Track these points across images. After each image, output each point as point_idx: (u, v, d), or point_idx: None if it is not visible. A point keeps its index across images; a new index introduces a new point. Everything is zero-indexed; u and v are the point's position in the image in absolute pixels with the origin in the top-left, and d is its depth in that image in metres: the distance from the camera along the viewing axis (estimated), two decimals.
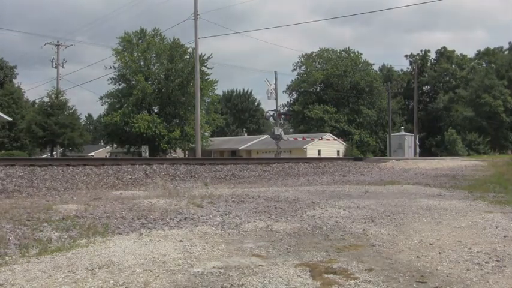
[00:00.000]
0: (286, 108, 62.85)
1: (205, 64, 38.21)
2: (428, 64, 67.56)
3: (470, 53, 70.84)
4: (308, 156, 37.16)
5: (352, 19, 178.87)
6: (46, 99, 35.31)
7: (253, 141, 50.80)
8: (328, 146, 44.32)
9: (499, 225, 5.63)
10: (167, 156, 35.10)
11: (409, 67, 67.70)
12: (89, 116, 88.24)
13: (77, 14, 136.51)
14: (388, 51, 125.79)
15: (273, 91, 36.02)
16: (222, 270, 3.62)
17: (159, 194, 8.84)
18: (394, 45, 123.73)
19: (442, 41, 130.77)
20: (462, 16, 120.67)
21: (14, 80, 53.85)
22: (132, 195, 8.50)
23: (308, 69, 62.13)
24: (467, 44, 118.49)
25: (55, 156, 33.28)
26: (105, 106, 41.42)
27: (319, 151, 42.76)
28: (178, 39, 39.27)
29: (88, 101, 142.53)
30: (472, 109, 54.24)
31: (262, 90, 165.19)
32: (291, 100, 64.78)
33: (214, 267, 3.71)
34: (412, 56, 68.07)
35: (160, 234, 5.02)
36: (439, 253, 4.25)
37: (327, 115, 54.82)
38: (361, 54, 61.26)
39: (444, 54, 66.56)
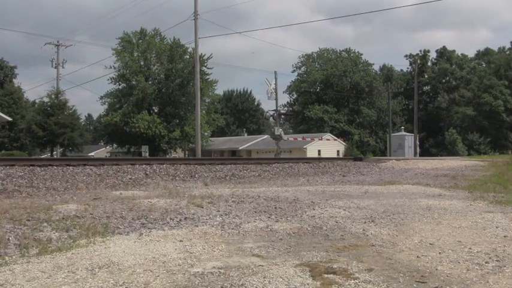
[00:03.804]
0: (286, 108, 62.95)
1: (205, 64, 38.24)
2: (429, 64, 67.53)
3: (475, 52, 70.59)
4: (308, 156, 37.15)
5: (353, 18, 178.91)
6: (46, 99, 35.45)
7: (253, 141, 50.76)
8: (328, 146, 44.31)
9: (499, 225, 5.63)
10: (167, 156, 35.11)
11: (409, 67, 67.78)
12: (89, 116, 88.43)
13: (77, 14, 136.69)
14: (391, 50, 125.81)
15: (273, 91, 36.10)
16: (222, 270, 3.62)
17: (159, 194, 8.84)
18: (397, 44, 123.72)
19: (445, 39, 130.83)
20: (466, 15, 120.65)
21: (14, 80, 54.02)
22: (132, 195, 8.49)
23: (308, 70, 62.12)
24: (471, 43, 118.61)
25: (55, 156, 33.28)
26: (105, 106, 41.53)
27: (319, 151, 42.75)
28: (179, 39, 39.37)
29: (88, 101, 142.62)
30: (472, 109, 54.23)
31: (262, 90, 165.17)
32: (291, 100, 64.87)
33: (214, 267, 3.71)
34: (411, 56, 68.10)
35: (160, 234, 5.01)
36: (439, 253, 4.25)
37: (326, 115, 54.80)
38: (362, 54, 61.44)
39: (444, 54, 66.54)
